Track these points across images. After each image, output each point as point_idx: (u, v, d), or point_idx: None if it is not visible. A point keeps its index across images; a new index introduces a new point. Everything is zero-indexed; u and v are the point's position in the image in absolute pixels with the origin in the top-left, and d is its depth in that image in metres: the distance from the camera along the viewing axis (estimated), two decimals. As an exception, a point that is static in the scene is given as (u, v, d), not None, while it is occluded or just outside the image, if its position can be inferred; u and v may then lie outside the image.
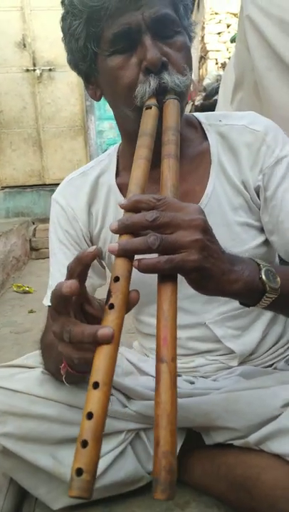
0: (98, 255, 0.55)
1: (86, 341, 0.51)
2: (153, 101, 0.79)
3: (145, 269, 0.56)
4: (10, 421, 0.87)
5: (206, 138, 0.94)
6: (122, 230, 0.58)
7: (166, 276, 0.57)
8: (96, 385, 0.47)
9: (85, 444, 0.44)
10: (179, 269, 0.57)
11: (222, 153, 0.92)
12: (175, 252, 0.56)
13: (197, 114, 0.98)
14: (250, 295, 0.66)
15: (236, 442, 0.87)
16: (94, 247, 0.55)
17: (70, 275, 0.57)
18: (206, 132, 0.94)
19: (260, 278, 0.66)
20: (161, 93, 0.79)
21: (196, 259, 0.56)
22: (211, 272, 0.59)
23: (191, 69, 0.83)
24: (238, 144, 0.90)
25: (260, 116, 0.94)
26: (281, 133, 0.92)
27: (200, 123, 0.96)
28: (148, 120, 0.77)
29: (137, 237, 0.57)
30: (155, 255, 0.57)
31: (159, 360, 0.51)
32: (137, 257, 0.57)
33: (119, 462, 0.93)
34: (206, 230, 0.59)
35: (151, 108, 0.78)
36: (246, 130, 0.90)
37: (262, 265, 0.67)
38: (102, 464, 0.91)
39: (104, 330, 0.50)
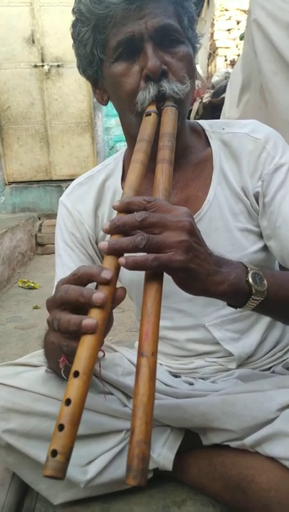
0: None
1: (71, 330, 0.54)
2: (153, 108, 0.82)
3: (133, 266, 0.58)
4: (13, 418, 0.89)
5: (209, 145, 0.96)
6: (113, 230, 0.60)
7: (153, 276, 0.59)
8: (76, 374, 0.50)
9: (61, 427, 0.47)
10: (164, 268, 0.59)
11: (224, 160, 0.94)
12: (161, 251, 0.58)
13: (201, 122, 1.00)
14: (235, 296, 0.68)
15: (232, 444, 0.90)
16: (111, 273, 0.57)
17: (75, 280, 0.59)
18: (209, 139, 0.96)
19: (247, 280, 0.67)
20: (160, 100, 0.82)
21: (182, 260, 0.59)
22: (197, 272, 0.61)
23: (192, 78, 0.85)
24: (239, 151, 0.92)
25: (262, 125, 0.95)
26: (282, 141, 0.93)
27: (204, 130, 0.98)
28: (147, 126, 0.79)
29: (127, 236, 0.59)
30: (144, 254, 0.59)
31: (140, 354, 0.53)
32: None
33: (118, 460, 0.95)
34: (192, 231, 0.60)
35: (150, 115, 0.81)
36: (248, 138, 0.92)
37: (249, 268, 0.69)
38: (102, 461, 0.93)
39: (89, 320, 0.53)
